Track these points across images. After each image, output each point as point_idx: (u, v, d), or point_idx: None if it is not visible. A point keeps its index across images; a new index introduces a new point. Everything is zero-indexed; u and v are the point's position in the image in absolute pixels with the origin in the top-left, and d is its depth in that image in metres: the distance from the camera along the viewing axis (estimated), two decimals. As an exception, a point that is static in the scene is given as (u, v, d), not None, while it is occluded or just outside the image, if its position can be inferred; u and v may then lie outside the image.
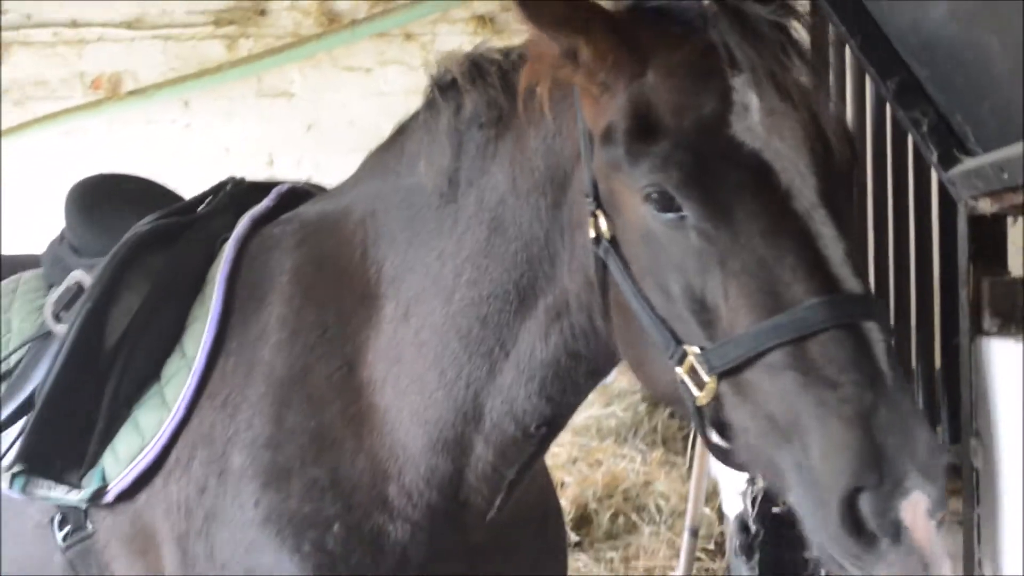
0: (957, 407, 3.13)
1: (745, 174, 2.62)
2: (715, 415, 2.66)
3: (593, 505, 7.67)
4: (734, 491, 4.85)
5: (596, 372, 3.12)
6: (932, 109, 3.05)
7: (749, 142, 2.63)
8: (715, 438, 2.67)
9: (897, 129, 3.67)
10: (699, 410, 2.65)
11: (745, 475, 2.80)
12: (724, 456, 2.72)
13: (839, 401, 2.44)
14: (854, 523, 2.39)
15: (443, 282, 3.19)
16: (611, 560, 7.29)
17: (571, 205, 2.96)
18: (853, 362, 2.47)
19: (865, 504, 2.38)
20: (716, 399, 2.63)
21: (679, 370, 2.66)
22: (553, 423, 3.21)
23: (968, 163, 2.93)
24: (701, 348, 2.63)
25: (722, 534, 7.39)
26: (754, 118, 2.64)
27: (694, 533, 7.05)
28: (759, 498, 2.78)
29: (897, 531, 2.37)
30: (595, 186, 2.84)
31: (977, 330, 2.92)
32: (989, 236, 3.03)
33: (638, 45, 2.77)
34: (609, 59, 2.79)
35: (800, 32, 2.85)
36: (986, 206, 2.90)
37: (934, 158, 3.06)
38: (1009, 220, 3.01)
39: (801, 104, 2.67)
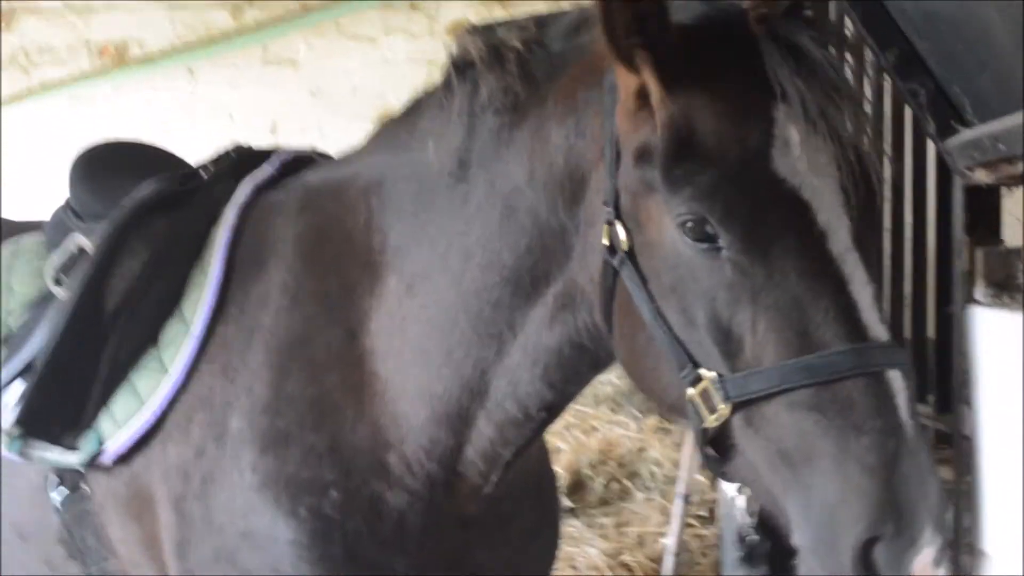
0: (948, 376, 3.13)
1: (784, 211, 2.58)
2: (718, 434, 2.64)
3: (587, 471, 7.67)
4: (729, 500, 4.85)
5: (597, 364, 3.09)
6: (930, 81, 3.04)
7: (790, 179, 2.59)
8: (712, 452, 2.66)
9: (895, 100, 3.66)
10: (704, 431, 2.64)
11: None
12: (717, 469, 2.71)
13: (863, 448, 2.43)
14: (866, 570, 2.41)
15: (451, 262, 3.16)
16: (604, 526, 7.29)
17: (588, 204, 2.91)
18: (878, 411, 2.46)
19: (880, 554, 2.39)
20: (724, 424, 2.62)
21: (691, 391, 2.64)
22: (552, 408, 3.19)
23: (965, 134, 2.92)
24: (719, 375, 2.61)
25: (714, 501, 7.38)
26: (795, 154, 2.59)
27: (686, 499, 7.05)
28: (754, 507, 2.76)
29: None
30: (616, 196, 2.79)
31: (970, 299, 2.90)
32: (984, 207, 3.02)
33: (687, 65, 2.69)
34: (662, 77, 2.70)
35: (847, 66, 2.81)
36: (982, 177, 2.89)
37: (931, 129, 3.05)
38: (1004, 191, 2.98)
39: (841, 143, 2.63)
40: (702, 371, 2.63)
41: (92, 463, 3.47)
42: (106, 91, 8.22)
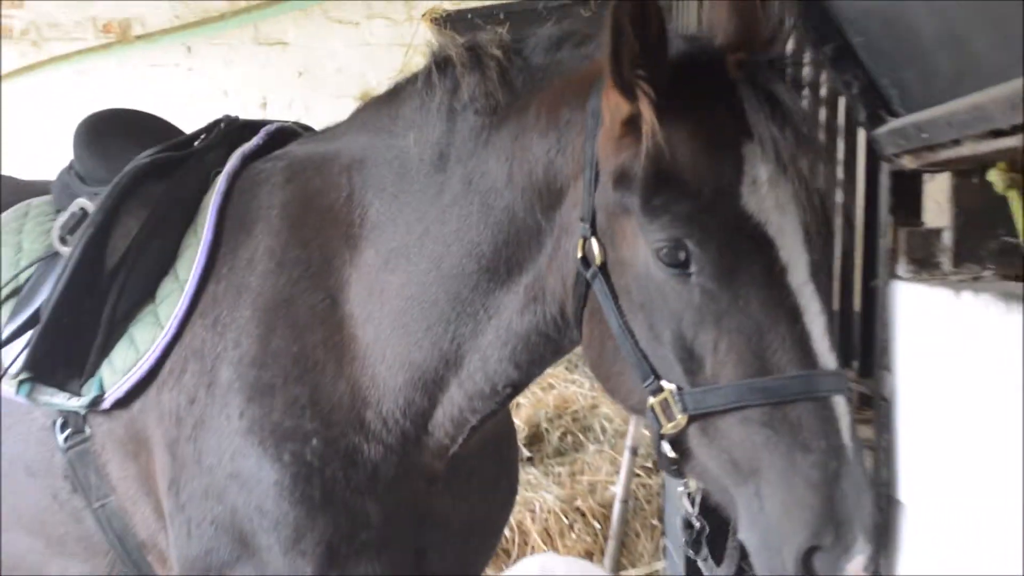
0: (871, 344, 3.16)
1: (751, 245, 2.63)
2: (675, 439, 2.71)
3: (544, 425, 7.68)
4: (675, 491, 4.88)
5: (559, 351, 3.14)
6: (863, 73, 3.05)
7: (757, 215, 2.63)
8: (668, 451, 2.71)
9: (831, 90, 3.67)
10: (662, 435, 2.70)
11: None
12: (670, 467, 2.76)
13: (808, 465, 2.51)
14: (810, 570, 2.50)
15: (429, 246, 3.19)
16: (559, 475, 7.31)
17: (564, 212, 2.94)
18: (823, 432, 2.53)
19: (819, 561, 2.49)
20: (681, 431, 2.68)
21: (652, 400, 2.70)
22: (517, 385, 3.24)
23: (892, 123, 2.93)
24: (679, 388, 2.67)
25: (660, 453, 7.40)
26: (763, 192, 2.64)
27: (634, 452, 7.10)
28: (698, 496, 2.82)
29: None
30: (593, 213, 2.82)
31: (893, 275, 2.92)
32: (908, 190, 3.04)
33: (672, 99, 2.71)
34: (648, 111, 2.72)
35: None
36: (907, 163, 2.91)
37: (862, 117, 3.05)
38: (926, 177, 3.01)
39: (806, 186, 2.67)
40: (664, 383, 2.69)
41: (93, 407, 3.50)
42: (110, 65, 8.20)
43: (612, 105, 2.78)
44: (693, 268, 2.63)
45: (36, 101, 8.15)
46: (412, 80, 3.33)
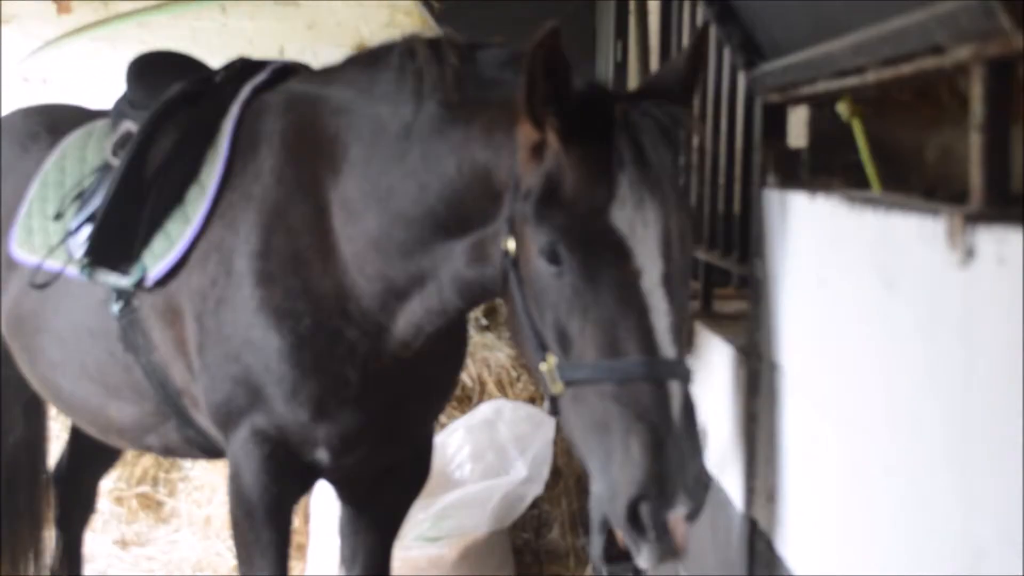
0: (747, 237, 3.16)
1: (612, 253, 2.63)
2: (554, 399, 2.73)
3: (499, 301, 7.66)
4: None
5: (499, 295, 3.09)
6: (741, 28, 3.03)
7: (621, 229, 2.63)
8: (550, 408, 2.75)
9: (718, 42, 3.65)
10: (551, 394, 2.72)
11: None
12: (556, 416, 2.77)
13: (641, 432, 2.52)
14: (635, 518, 2.53)
15: (396, 198, 3.17)
16: (509, 338, 7.28)
17: (504, 205, 2.91)
18: (655, 409, 2.54)
19: (644, 509, 2.51)
20: (560, 394, 2.69)
21: (543, 366, 2.71)
22: (464, 310, 3.32)
23: (763, 67, 2.92)
24: (558, 361, 2.68)
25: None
26: (628, 211, 2.63)
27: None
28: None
29: (663, 529, 2.52)
30: (512, 218, 2.81)
31: (764, 184, 2.92)
32: (776, 119, 3.01)
33: (570, 131, 2.71)
34: (547, 136, 2.74)
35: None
36: (774, 98, 2.90)
37: (740, 63, 3.03)
38: (789, 108, 2.99)
39: (669, 201, 2.67)
40: (549, 355, 2.70)
41: (139, 285, 3.57)
42: (163, 20, 8.10)
43: (524, 134, 2.78)
44: (565, 268, 2.64)
45: (106, 49, 8.04)
46: (387, 51, 3.31)
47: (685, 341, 2.76)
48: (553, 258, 2.68)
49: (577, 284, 2.65)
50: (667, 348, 2.61)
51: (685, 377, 2.64)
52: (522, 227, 2.78)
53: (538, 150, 2.76)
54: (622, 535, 2.63)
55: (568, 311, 2.67)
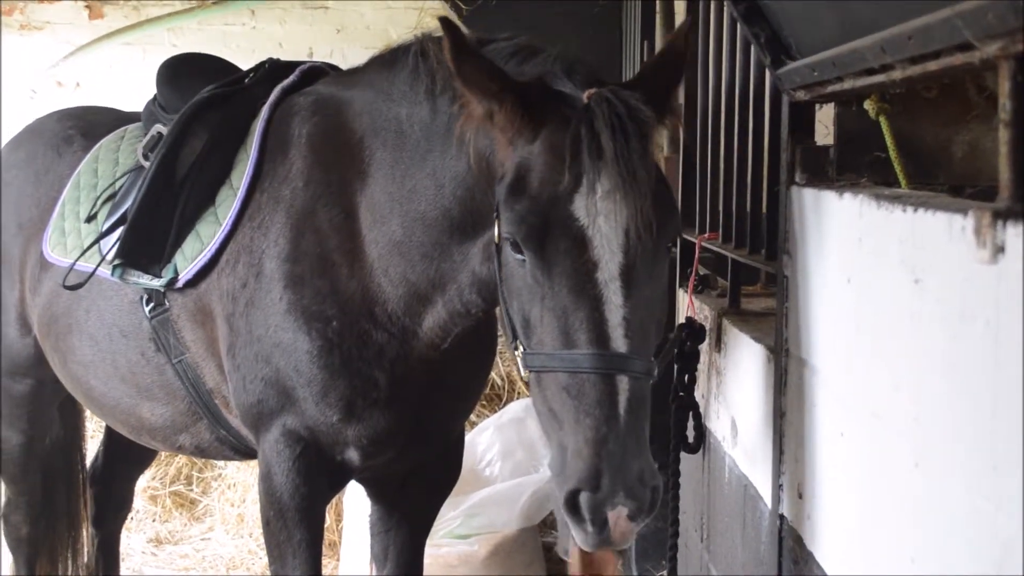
0: (775, 234, 3.15)
1: (570, 243, 2.59)
2: (528, 383, 2.74)
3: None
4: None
5: None
6: (768, 27, 3.01)
7: (581, 219, 2.59)
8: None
9: (745, 40, 3.64)
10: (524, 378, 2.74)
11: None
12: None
13: (585, 427, 2.51)
14: (574, 508, 2.51)
15: (416, 201, 3.20)
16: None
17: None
18: (600, 403, 2.52)
19: (583, 501, 2.50)
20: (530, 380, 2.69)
21: (517, 352, 2.71)
22: (486, 310, 3.27)
23: (790, 65, 2.90)
24: (524, 349, 2.68)
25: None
26: (593, 199, 2.58)
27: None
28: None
29: (601, 523, 2.50)
30: (497, 205, 2.80)
31: (792, 182, 2.90)
32: (803, 117, 3.00)
33: (536, 119, 2.69)
34: (515, 125, 2.72)
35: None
36: (801, 96, 2.88)
37: (768, 62, 3.02)
38: (817, 106, 2.99)
39: (634, 192, 2.60)
40: (518, 342, 2.71)
41: (170, 287, 3.58)
42: (192, 24, 8.14)
43: (499, 128, 2.79)
44: (526, 256, 2.63)
45: (139, 50, 8.08)
46: (404, 52, 3.31)
47: (649, 335, 2.71)
48: (516, 246, 2.67)
49: (536, 272, 2.63)
50: (618, 342, 2.57)
51: (638, 372, 2.60)
52: (499, 216, 2.79)
53: (513, 139, 2.75)
54: (568, 520, 2.61)
55: (529, 299, 2.67)
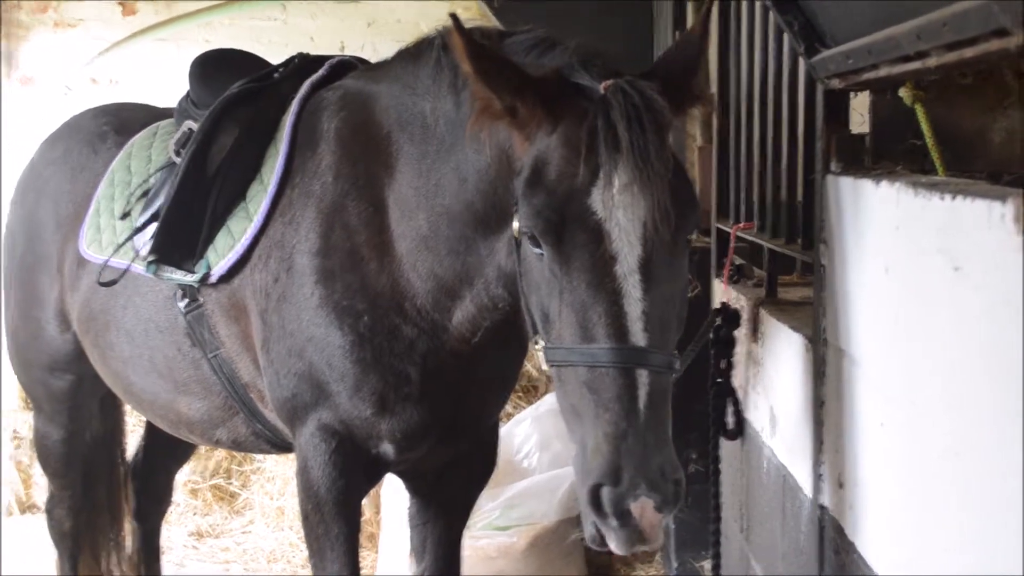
0: (811, 223, 3.14)
1: (588, 236, 2.56)
2: (551, 378, 2.72)
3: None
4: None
5: None
6: (801, 14, 3.00)
7: (599, 212, 2.55)
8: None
9: (778, 29, 3.62)
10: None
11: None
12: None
13: (605, 422, 2.48)
14: (597, 504, 2.48)
15: (442, 195, 3.19)
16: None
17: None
18: (619, 397, 2.49)
19: (604, 496, 2.46)
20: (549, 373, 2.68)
21: (537, 347, 2.70)
22: (512, 304, 3.14)
23: (824, 53, 2.89)
24: (544, 343, 2.67)
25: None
26: (611, 192, 2.54)
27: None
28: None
29: (625, 516, 2.46)
30: (516, 200, 2.77)
31: (827, 170, 2.88)
32: (838, 105, 2.98)
33: (553, 113, 2.67)
34: (535, 120, 2.69)
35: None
36: (836, 84, 2.87)
37: (801, 50, 3.00)
38: (851, 94, 2.98)
39: (652, 183, 2.55)
40: (538, 336, 2.69)
41: (203, 282, 3.59)
42: (224, 20, 8.16)
43: (517, 123, 2.77)
44: (544, 249, 2.60)
45: (172, 46, 8.11)
46: (428, 46, 3.29)
47: (669, 329, 2.66)
48: (534, 240, 2.65)
49: (554, 266, 2.61)
50: (637, 336, 2.53)
51: (658, 366, 2.56)
52: (517, 211, 2.77)
53: (531, 133, 2.73)
54: (589, 520, 2.58)
55: (548, 293, 2.64)
